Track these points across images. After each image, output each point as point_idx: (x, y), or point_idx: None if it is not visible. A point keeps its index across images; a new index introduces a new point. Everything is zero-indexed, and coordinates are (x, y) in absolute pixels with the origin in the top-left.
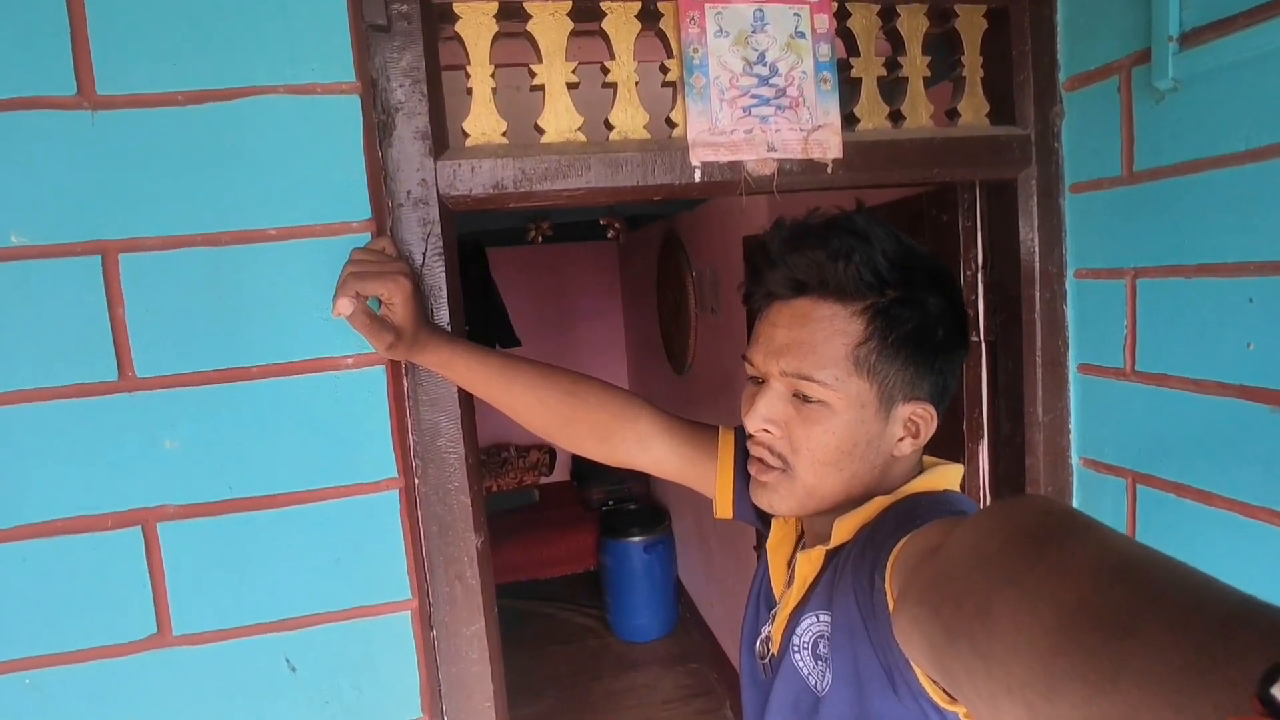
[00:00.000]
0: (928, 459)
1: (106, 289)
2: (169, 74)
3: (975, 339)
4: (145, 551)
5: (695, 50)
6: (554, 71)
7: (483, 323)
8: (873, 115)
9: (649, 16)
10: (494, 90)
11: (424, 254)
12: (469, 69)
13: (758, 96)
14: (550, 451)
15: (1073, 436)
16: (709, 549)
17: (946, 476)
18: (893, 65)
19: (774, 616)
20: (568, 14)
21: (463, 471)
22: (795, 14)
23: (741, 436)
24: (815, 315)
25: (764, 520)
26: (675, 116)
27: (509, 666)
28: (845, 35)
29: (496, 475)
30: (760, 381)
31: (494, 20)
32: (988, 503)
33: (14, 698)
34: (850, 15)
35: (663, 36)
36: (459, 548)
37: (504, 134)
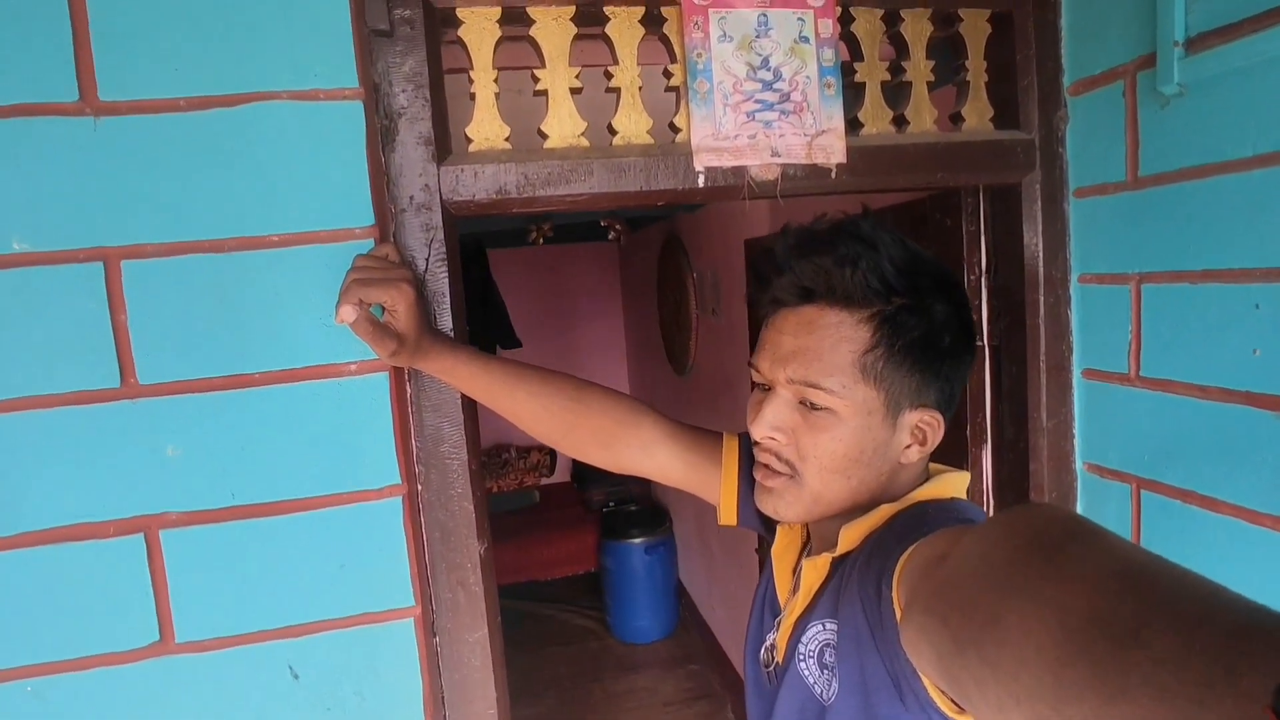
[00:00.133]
0: (934, 466)
1: (108, 295)
2: (171, 80)
3: (979, 344)
4: (147, 559)
5: (699, 55)
6: (557, 76)
7: (483, 324)
8: (876, 120)
9: (652, 21)
10: (497, 95)
11: (427, 260)
12: (472, 74)
13: (761, 101)
14: (551, 453)
15: (1077, 442)
16: (710, 551)
17: (953, 484)
18: (896, 70)
19: (779, 624)
20: (571, 19)
21: (466, 477)
22: (799, 19)
23: (746, 443)
24: (822, 322)
25: (768, 527)
26: (679, 121)
27: (509, 668)
28: (849, 40)
29: (497, 476)
30: (767, 388)
31: (497, 25)
32: (991, 508)
33: (16, 705)
34: (854, 20)
35: (666, 41)
36: (462, 554)
37: (507, 139)
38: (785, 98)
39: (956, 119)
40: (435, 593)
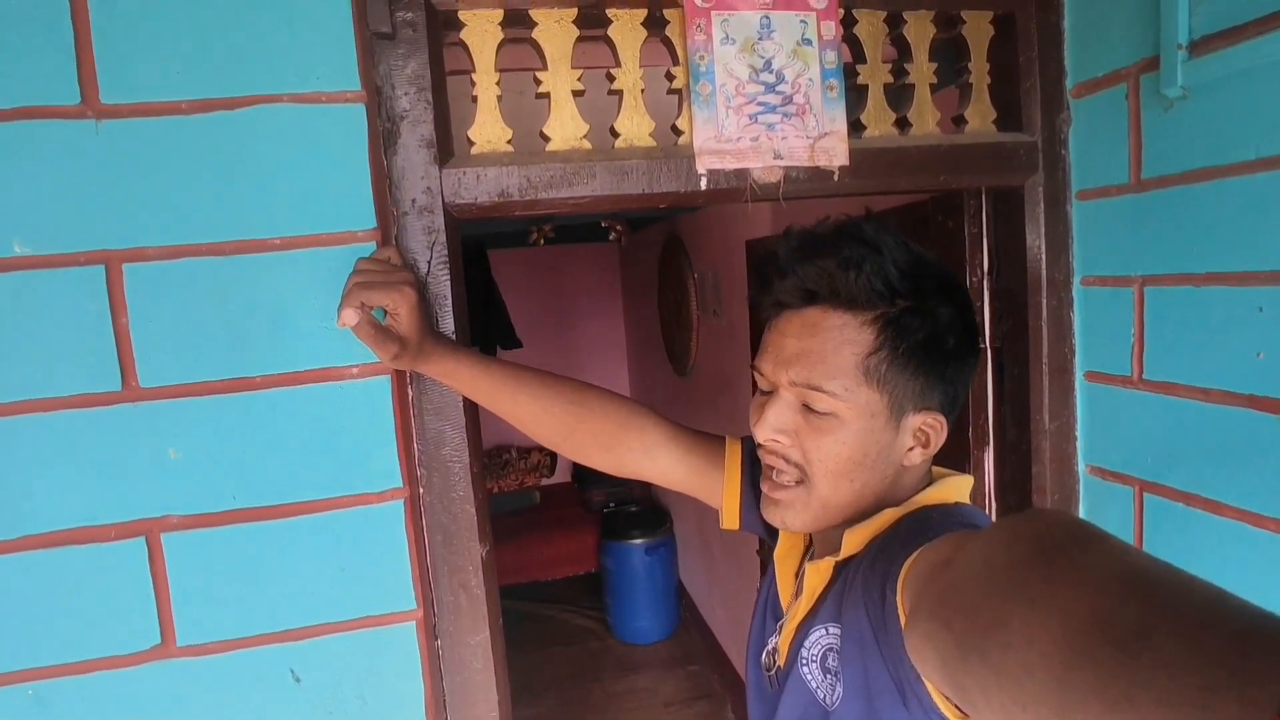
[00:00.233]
0: (937, 469)
1: (110, 299)
2: (173, 82)
3: (981, 346)
4: (149, 562)
5: (701, 57)
6: (559, 79)
7: (484, 325)
8: (879, 122)
9: (655, 23)
10: (499, 97)
11: (429, 263)
12: (474, 76)
13: (764, 104)
14: (552, 453)
15: (1079, 444)
16: (711, 551)
17: (957, 488)
18: (899, 72)
19: (781, 628)
20: (573, 21)
21: (467, 480)
22: (802, 21)
23: (749, 447)
24: (825, 325)
25: (770, 532)
26: (681, 124)
27: (509, 668)
28: (851, 42)
29: (498, 477)
30: (769, 391)
31: (499, 27)
32: (993, 511)
33: (17, 709)
34: (857, 22)
35: (668, 43)
36: (464, 557)
37: (509, 142)
38: (788, 100)
39: (959, 121)
40: (437, 596)
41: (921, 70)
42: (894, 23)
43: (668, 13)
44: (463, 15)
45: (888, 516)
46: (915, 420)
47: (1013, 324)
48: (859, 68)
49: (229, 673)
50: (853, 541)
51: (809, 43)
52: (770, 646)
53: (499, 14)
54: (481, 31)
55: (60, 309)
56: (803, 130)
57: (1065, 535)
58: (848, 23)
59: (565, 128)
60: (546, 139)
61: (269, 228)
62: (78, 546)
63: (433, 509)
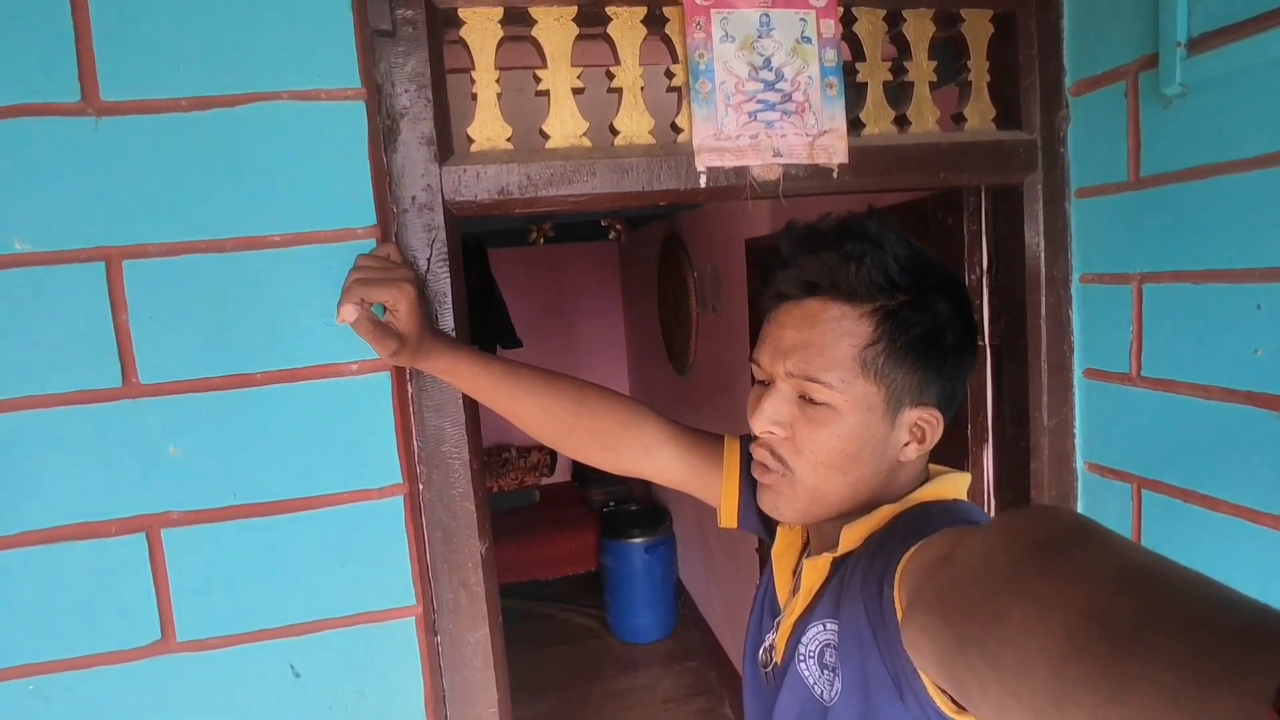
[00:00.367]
0: (934, 467)
1: (110, 295)
2: (173, 80)
3: (980, 343)
4: (149, 558)
5: (701, 55)
6: (559, 77)
7: (484, 323)
8: (878, 120)
9: (654, 21)
10: (499, 95)
11: (429, 260)
12: (474, 74)
13: (763, 102)
14: (551, 452)
15: (1078, 441)
16: (710, 550)
17: (955, 485)
18: (898, 70)
19: (778, 625)
20: (573, 19)
21: (467, 477)
22: (801, 19)
23: (747, 445)
24: (824, 316)
25: (769, 530)
26: (681, 121)
27: (509, 667)
28: (851, 40)
29: (497, 476)
30: (767, 384)
31: (499, 25)
32: (992, 507)
33: (17, 704)
34: (856, 20)
35: (668, 41)
36: (463, 554)
37: (509, 139)
38: (787, 98)
39: (958, 119)
40: (436, 592)
41: (921, 68)
42: (893, 21)
43: (667, 10)
44: (462, 13)
45: (885, 513)
46: (912, 415)
47: (1011, 321)
48: (858, 65)
49: (229, 668)
50: (850, 538)
51: (808, 40)
52: (767, 643)
53: (499, 12)
54: (481, 29)
55: (61, 305)
56: (802, 128)
57: (1064, 531)
58: (847, 21)
59: (565, 125)
60: (546, 137)
61: (269, 225)
62: (78, 542)
63: (432, 506)
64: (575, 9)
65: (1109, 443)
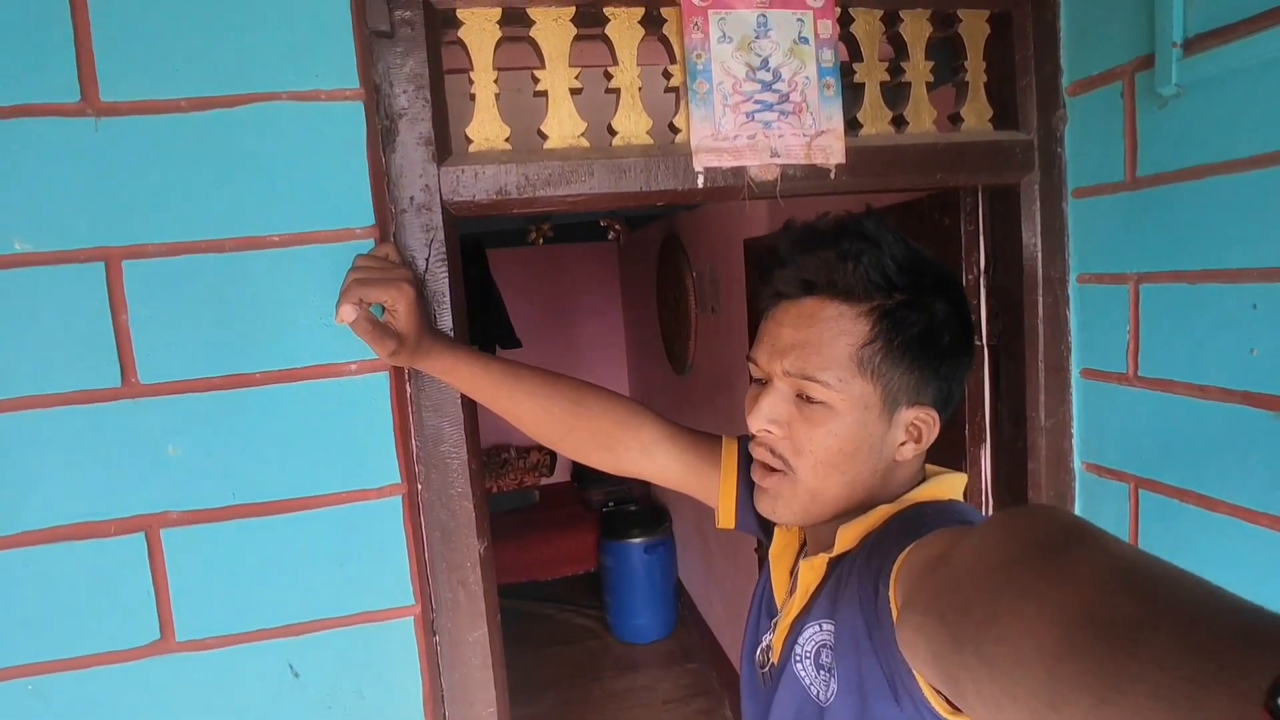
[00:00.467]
0: (930, 467)
1: (110, 295)
2: (173, 81)
3: (977, 343)
4: (148, 558)
5: (698, 56)
6: (557, 77)
7: (483, 324)
8: (876, 120)
9: (652, 22)
10: (497, 96)
11: (427, 260)
12: (472, 74)
13: (761, 102)
14: (551, 452)
15: (1075, 441)
16: (709, 550)
17: (951, 485)
18: (895, 70)
19: (775, 625)
20: (570, 19)
21: (465, 477)
22: (798, 19)
23: (746, 446)
24: (822, 315)
25: (766, 531)
26: (678, 122)
27: (509, 667)
28: (848, 40)
29: (497, 476)
30: (764, 382)
31: (497, 26)
32: (989, 507)
33: (16, 704)
34: (853, 20)
35: (665, 42)
36: (462, 553)
37: (507, 140)
38: (784, 98)
39: (955, 119)
40: (435, 592)
41: (918, 69)
42: (890, 21)
43: (665, 11)
44: (461, 14)
45: (881, 513)
46: (908, 415)
47: (1009, 321)
48: (856, 66)
49: (228, 668)
50: (846, 538)
51: (806, 41)
52: (764, 644)
53: (497, 12)
54: (479, 30)
55: (60, 305)
56: (799, 128)
57: (1060, 531)
58: (844, 21)
59: (563, 126)
60: (544, 137)
61: (268, 225)
62: (77, 542)
63: (431, 505)
64: (573, 9)
65: (1106, 443)
